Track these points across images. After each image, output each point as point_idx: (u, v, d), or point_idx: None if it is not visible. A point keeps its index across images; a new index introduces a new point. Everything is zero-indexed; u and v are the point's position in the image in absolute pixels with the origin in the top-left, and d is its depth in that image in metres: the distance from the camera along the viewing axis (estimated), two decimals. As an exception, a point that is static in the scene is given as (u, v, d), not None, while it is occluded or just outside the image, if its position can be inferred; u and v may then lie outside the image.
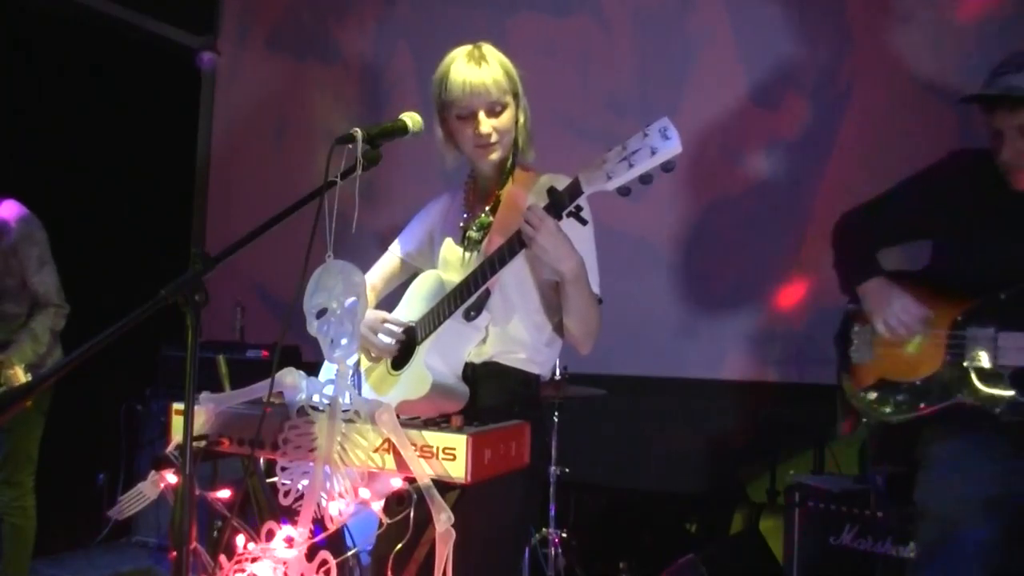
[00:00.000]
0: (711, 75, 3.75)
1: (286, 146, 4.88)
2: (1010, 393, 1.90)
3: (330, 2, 4.88)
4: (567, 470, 3.24)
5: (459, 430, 1.39)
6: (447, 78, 1.79)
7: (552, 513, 3.19)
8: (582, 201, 1.61)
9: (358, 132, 1.61)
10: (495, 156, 1.83)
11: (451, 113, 1.81)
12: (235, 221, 5.06)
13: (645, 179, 1.54)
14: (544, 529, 3.20)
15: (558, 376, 3.14)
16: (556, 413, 3.23)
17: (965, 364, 1.97)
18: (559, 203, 1.61)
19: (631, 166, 1.53)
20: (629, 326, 3.89)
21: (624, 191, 1.56)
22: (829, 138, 3.50)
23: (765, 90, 3.67)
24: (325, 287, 1.55)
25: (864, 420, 2.23)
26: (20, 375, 2.74)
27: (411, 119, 1.73)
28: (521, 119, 1.85)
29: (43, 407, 2.95)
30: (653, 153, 1.50)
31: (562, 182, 1.65)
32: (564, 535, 3.22)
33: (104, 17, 4.51)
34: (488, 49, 1.82)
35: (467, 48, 1.82)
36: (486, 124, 1.79)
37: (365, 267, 2.08)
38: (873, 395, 2.12)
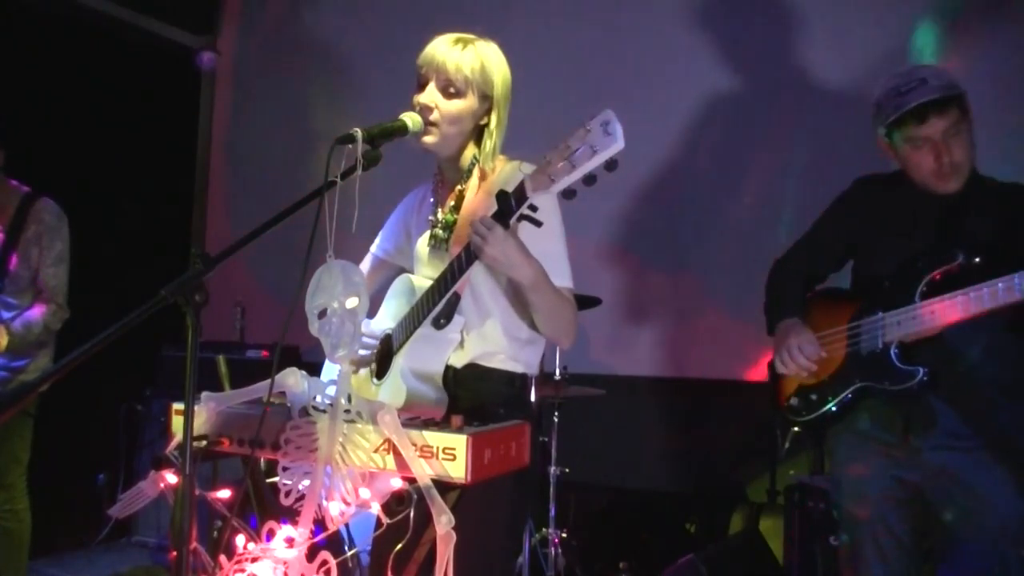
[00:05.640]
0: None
1: (286, 146, 4.87)
2: (895, 364, 2.02)
3: (330, 1, 4.89)
4: (567, 470, 3.23)
5: (459, 430, 1.39)
6: (425, 47, 1.78)
7: (552, 513, 3.19)
8: (541, 201, 1.53)
9: (358, 132, 1.60)
10: (430, 139, 1.77)
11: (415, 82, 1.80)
12: (235, 221, 5.07)
13: (588, 180, 1.45)
14: (544, 529, 3.19)
15: (558, 376, 3.14)
16: (556, 413, 3.22)
17: (861, 350, 2.11)
18: (506, 210, 1.54)
19: (573, 167, 1.43)
20: (629, 326, 3.89)
21: (568, 194, 1.48)
22: (833, 132, 3.50)
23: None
24: (326, 287, 1.54)
25: (795, 429, 2.33)
26: (3, 342, 2.73)
27: (411, 119, 1.73)
28: (488, 121, 1.80)
29: (29, 409, 2.91)
30: (594, 152, 1.41)
31: (527, 171, 1.59)
32: (564, 535, 3.22)
33: (104, 17, 4.51)
34: (483, 44, 1.79)
35: (469, 35, 1.81)
36: (429, 96, 1.76)
37: (365, 267, 2.08)
38: (794, 401, 2.25)
